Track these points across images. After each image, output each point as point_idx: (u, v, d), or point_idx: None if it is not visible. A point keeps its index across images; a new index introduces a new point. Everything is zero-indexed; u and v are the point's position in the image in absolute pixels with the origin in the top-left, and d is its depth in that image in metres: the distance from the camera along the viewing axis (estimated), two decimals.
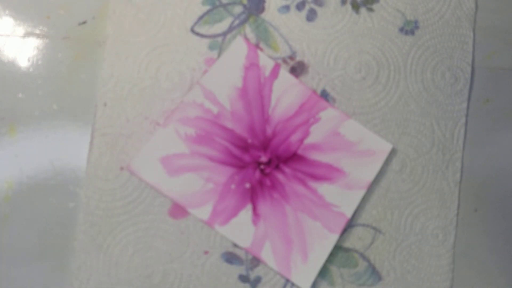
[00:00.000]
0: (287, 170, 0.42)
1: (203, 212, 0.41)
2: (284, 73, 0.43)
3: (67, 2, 0.43)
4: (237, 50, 0.43)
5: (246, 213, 0.42)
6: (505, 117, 0.45)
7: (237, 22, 0.44)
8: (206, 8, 0.43)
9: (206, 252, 0.41)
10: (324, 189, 0.42)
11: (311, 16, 0.44)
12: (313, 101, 0.43)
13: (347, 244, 0.42)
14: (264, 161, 0.42)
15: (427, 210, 0.43)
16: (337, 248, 0.42)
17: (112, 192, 0.41)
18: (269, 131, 0.43)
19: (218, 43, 0.43)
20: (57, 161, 0.42)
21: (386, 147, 0.43)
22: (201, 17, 0.43)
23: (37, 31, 0.43)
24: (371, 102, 0.44)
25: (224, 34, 0.43)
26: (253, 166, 0.42)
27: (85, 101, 0.42)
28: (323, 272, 0.42)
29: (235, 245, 0.42)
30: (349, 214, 0.42)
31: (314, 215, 0.42)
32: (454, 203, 0.44)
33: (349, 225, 0.43)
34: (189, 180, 0.41)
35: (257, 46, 0.43)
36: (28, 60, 0.42)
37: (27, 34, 0.43)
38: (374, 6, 0.45)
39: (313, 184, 0.42)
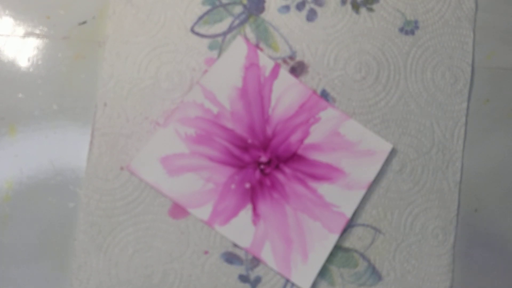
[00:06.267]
0: (287, 170, 0.42)
1: (203, 212, 0.41)
2: (284, 73, 0.43)
3: (67, 2, 0.43)
4: (237, 50, 0.43)
5: (246, 213, 0.42)
6: (505, 117, 0.45)
7: (237, 22, 0.44)
8: (206, 8, 0.43)
9: (206, 252, 0.41)
10: (324, 189, 0.42)
11: (311, 16, 0.44)
12: (313, 101, 0.43)
13: (347, 244, 0.42)
14: (264, 161, 0.42)
15: (427, 210, 0.43)
16: (337, 248, 0.42)
17: (112, 192, 0.41)
18: (269, 131, 0.43)
19: (218, 43, 0.43)
20: (57, 161, 0.42)
21: (386, 147, 0.43)
22: (201, 17, 0.43)
23: (37, 31, 0.43)
24: (371, 102, 0.44)
25: (224, 34, 0.43)
26: (253, 166, 0.42)
27: (85, 101, 0.42)
28: (323, 272, 0.42)
29: (235, 245, 0.42)
30: (349, 214, 0.42)
31: (314, 215, 0.42)
32: (454, 203, 0.44)
33: (349, 225, 0.43)
34: (189, 180, 0.41)
35: (257, 46, 0.43)
36: (28, 60, 0.42)
37: (27, 34, 0.43)
38: (374, 6, 0.45)
39: (313, 184, 0.42)
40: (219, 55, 0.43)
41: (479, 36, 0.46)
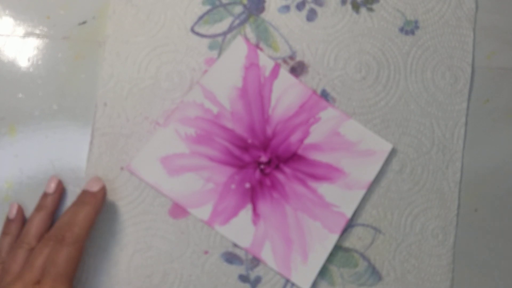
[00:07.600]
0: (287, 170, 0.42)
1: (203, 212, 0.41)
2: (284, 73, 0.43)
3: (67, 2, 0.43)
4: (237, 50, 0.43)
5: (246, 213, 0.42)
6: (505, 117, 0.45)
7: (237, 22, 0.44)
8: (206, 8, 0.43)
9: (206, 252, 0.41)
10: (324, 189, 0.42)
11: (311, 16, 0.44)
12: (313, 101, 0.43)
13: (347, 244, 0.42)
14: (264, 161, 0.42)
15: (427, 210, 0.43)
16: (337, 248, 0.42)
17: (112, 192, 0.41)
18: (269, 131, 0.43)
19: (218, 43, 0.43)
20: (57, 161, 0.42)
21: (386, 147, 0.43)
22: (201, 17, 0.43)
23: (37, 31, 0.43)
24: (371, 102, 0.44)
25: (224, 34, 0.43)
26: (253, 166, 0.42)
27: (85, 101, 0.42)
28: (323, 272, 0.42)
29: (235, 245, 0.42)
30: (349, 214, 0.42)
31: (314, 215, 0.42)
32: (454, 203, 0.44)
33: (349, 225, 0.43)
34: (189, 180, 0.41)
35: (257, 46, 0.43)
36: (28, 60, 0.42)
37: (27, 34, 0.43)
38: (374, 6, 0.45)
39: (313, 184, 0.42)
40: (219, 55, 0.43)
41: (479, 36, 0.46)
